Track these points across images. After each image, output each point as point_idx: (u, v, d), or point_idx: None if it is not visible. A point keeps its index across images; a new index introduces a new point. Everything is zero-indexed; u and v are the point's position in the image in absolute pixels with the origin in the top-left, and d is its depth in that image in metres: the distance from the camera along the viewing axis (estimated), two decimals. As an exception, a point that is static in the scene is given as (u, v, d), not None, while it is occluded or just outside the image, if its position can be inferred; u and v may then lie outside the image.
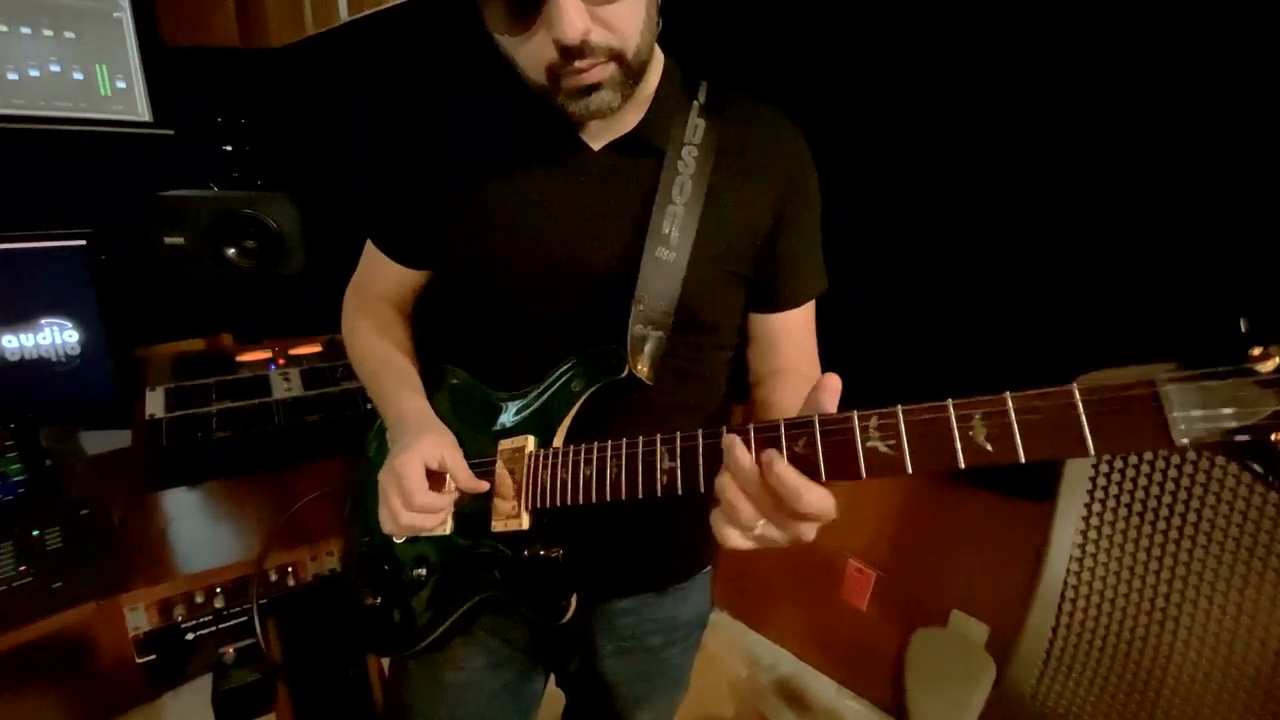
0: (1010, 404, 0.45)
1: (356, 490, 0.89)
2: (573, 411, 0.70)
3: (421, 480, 0.69)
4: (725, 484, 0.51)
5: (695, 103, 0.73)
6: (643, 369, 0.68)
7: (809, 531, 0.52)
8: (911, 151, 1.23)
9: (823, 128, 0.79)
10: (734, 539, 0.52)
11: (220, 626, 1.11)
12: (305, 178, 1.58)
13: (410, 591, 0.79)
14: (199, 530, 1.19)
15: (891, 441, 0.49)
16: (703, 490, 0.57)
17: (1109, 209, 1.05)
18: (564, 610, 0.70)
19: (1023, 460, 0.45)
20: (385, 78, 1.56)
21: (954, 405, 0.47)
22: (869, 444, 0.50)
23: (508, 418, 0.75)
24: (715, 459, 0.56)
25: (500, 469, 0.72)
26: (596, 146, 0.71)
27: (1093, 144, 1.05)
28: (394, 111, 0.76)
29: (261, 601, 1.11)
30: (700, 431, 0.58)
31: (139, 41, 1.44)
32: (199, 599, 1.06)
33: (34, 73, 1.35)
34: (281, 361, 1.53)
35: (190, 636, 1.09)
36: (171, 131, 1.51)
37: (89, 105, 1.42)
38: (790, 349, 0.80)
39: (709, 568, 0.89)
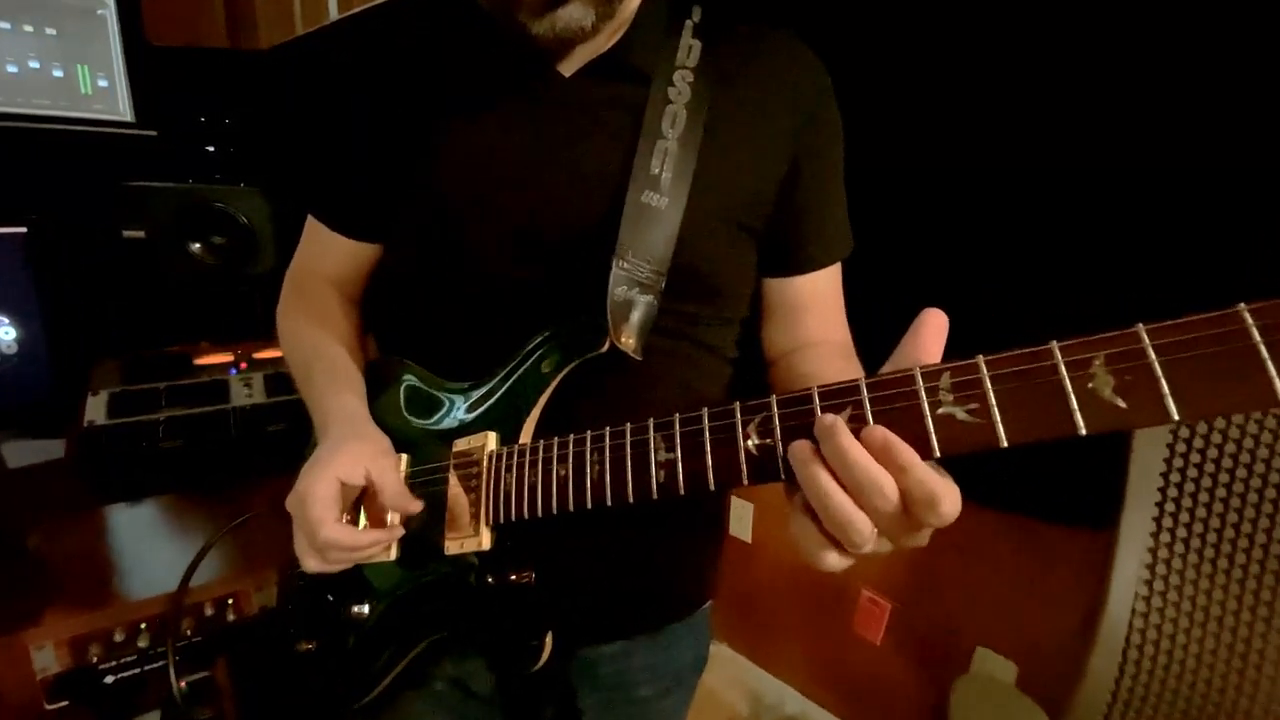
0: (1146, 338, 0.32)
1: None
2: (543, 399, 0.57)
3: (329, 507, 0.54)
4: (828, 489, 0.37)
5: (689, 22, 0.61)
6: (628, 341, 0.55)
7: (924, 538, 0.39)
8: (938, 116, 1.13)
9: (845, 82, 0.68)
10: (832, 561, 0.40)
11: (145, 669, 0.95)
12: (283, 174, 1.48)
13: (350, 633, 0.63)
14: (133, 555, 1.04)
15: (973, 405, 0.36)
16: (712, 489, 0.43)
17: (1135, 198, 0.95)
18: (536, 653, 0.55)
19: (1175, 419, 0.32)
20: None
21: (1060, 348, 0.34)
22: (941, 410, 0.36)
23: (463, 412, 0.61)
24: (728, 448, 0.43)
25: (454, 476, 0.58)
26: (568, 73, 0.60)
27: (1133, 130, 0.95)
28: (338, 68, 0.68)
29: (195, 639, 0.95)
30: (706, 410, 0.45)
31: (123, 40, 1.40)
32: (118, 637, 0.90)
33: (12, 69, 1.30)
34: (244, 365, 1.40)
35: (109, 680, 0.93)
36: (155, 132, 1.45)
37: (69, 104, 1.37)
38: (817, 320, 0.67)
39: (710, 602, 0.74)
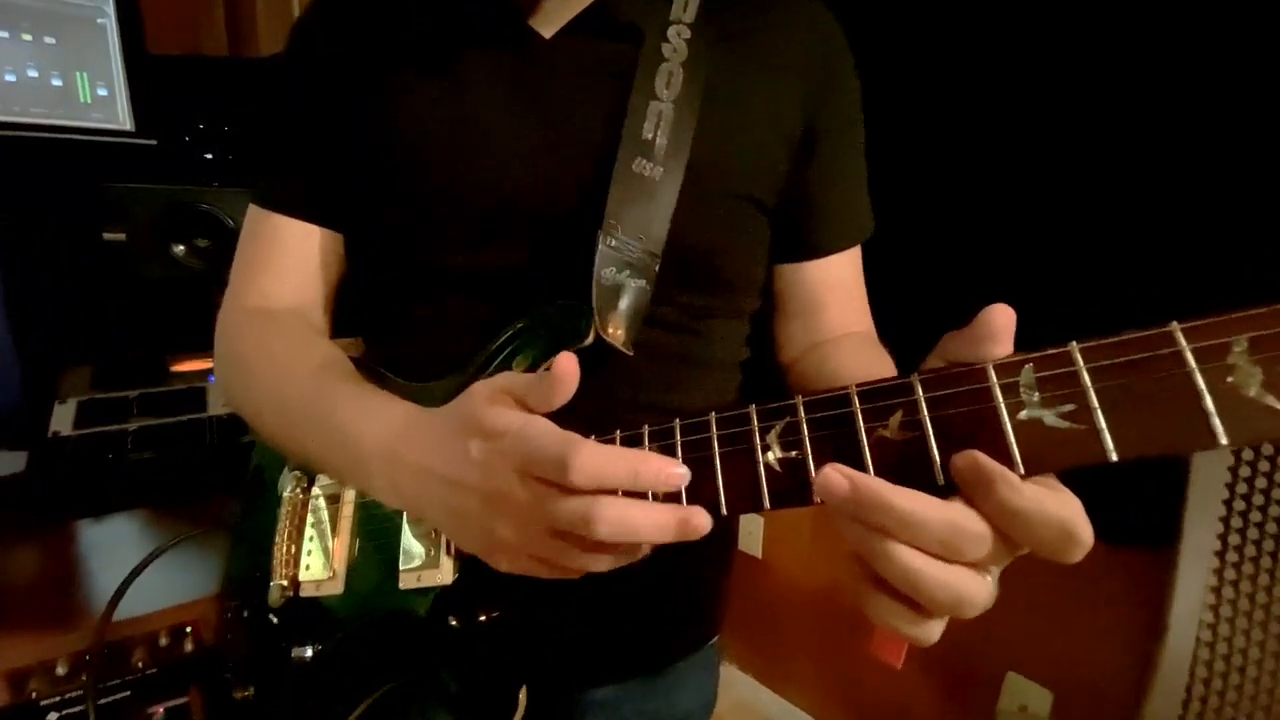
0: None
1: (237, 534, 0.65)
2: None
3: (546, 424, 0.36)
4: (906, 560, 0.28)
5: None
6: (616, 333, 0.47)
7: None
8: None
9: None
10: (936, 632, 0.30)
11: (100, 702, 0.87)
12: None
13: (293, 679, 0.54)
14: (89, 577, 0.95)
15: (1068, 406, 0.27)
16: (724, 513, 0.35)
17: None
18: (510, 710, 0.46)
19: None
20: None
21: (1184, 330, 0.26)
22: (1025, 414, 0.28)
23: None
24: (743, 462, 0.34)
25: None
26: (548, 33, 0.52)
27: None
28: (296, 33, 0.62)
29: (149, 672, 0.87)
30: (714, 415, 0.36)
31: (123, 48, 1.41)
32: (60, 670, 0.82)
33: (10, 78, 1.32)
34: None
35: (53, 717, 0.84)
36: (154, 141, 1.45)
37: (66, 112, 1.37)
38: (839, 311, 0.59)
39: (717, 637, 0.65)
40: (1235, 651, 0.79)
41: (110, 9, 1.39)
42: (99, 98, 1.38)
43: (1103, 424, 0.26)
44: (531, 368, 0.47)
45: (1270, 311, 0.25)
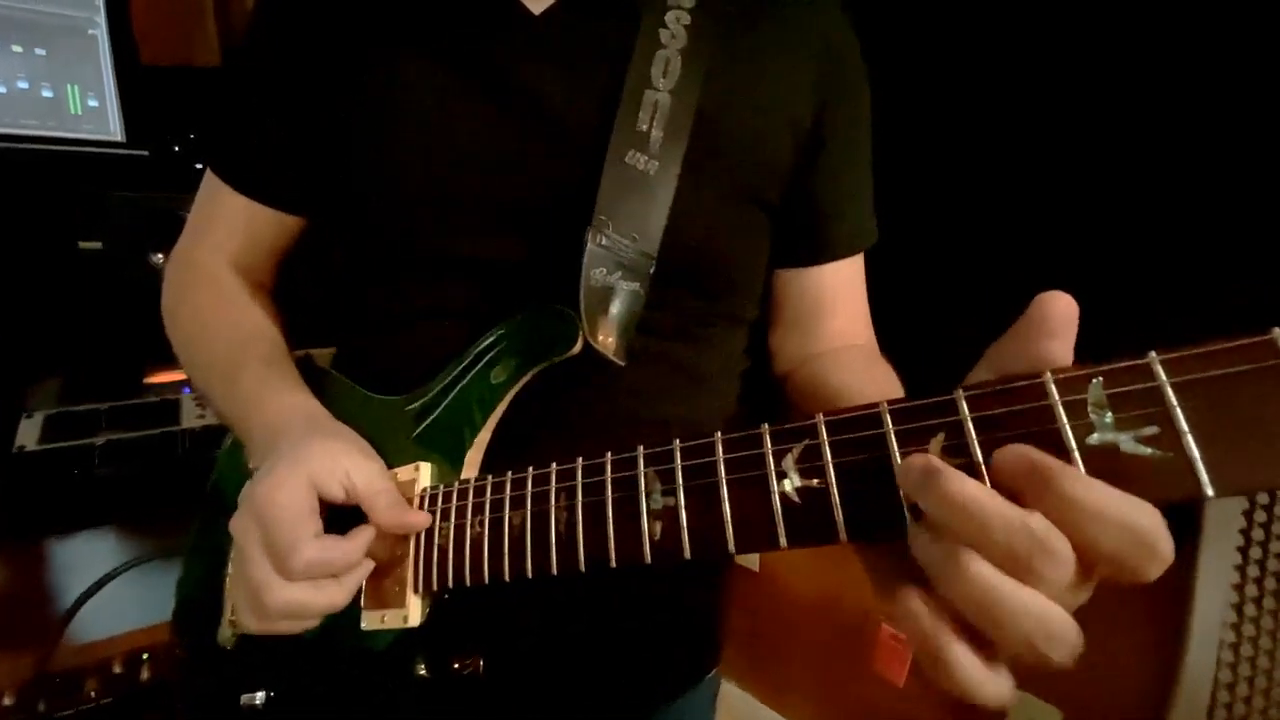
0: None
1: (190, 558, 0.60)
2: (494, 418, 0.44)
3: (304, 521, 0.39)
4: (986, 579, 0.23)
5: None
6: (607, 340, 0.42)
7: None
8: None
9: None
10: (1008, 689, 0.25)
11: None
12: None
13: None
14: (50, 600, 0.89)
15: (1149, 430, 0.22)
16: (731, 549, 0.30)
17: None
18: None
19: None
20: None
21: (1290, 338, 0.21)
22: (1094, 439, 0.23)
23: (389, 437, 0.47)
24: (754, 491, 0.29)
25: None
26: (537, 9, 0.48)
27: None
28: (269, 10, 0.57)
29: (103, 701, 0.81)
30: (719, 435, 0.32)
31: (114, 60, 1.41)
32: (7, 700, 0.76)
33: (0, 89, 1.33)
34: None
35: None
36: (146, 152, 1.45)
37: (57, 124, 1.37)
38: (842, 320, 0.56)
39: (716, 669, 0.60)
40: (1260, 673, 0.75)
41: (102, 20, 1.40)
42: (89, 109, 1.39)
43: (1195, 452, 0.22)
44: (512, 379, 0.43)
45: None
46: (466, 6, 0.48)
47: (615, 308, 0.43)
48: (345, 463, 0.41)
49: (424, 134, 0.47)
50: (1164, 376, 0.23)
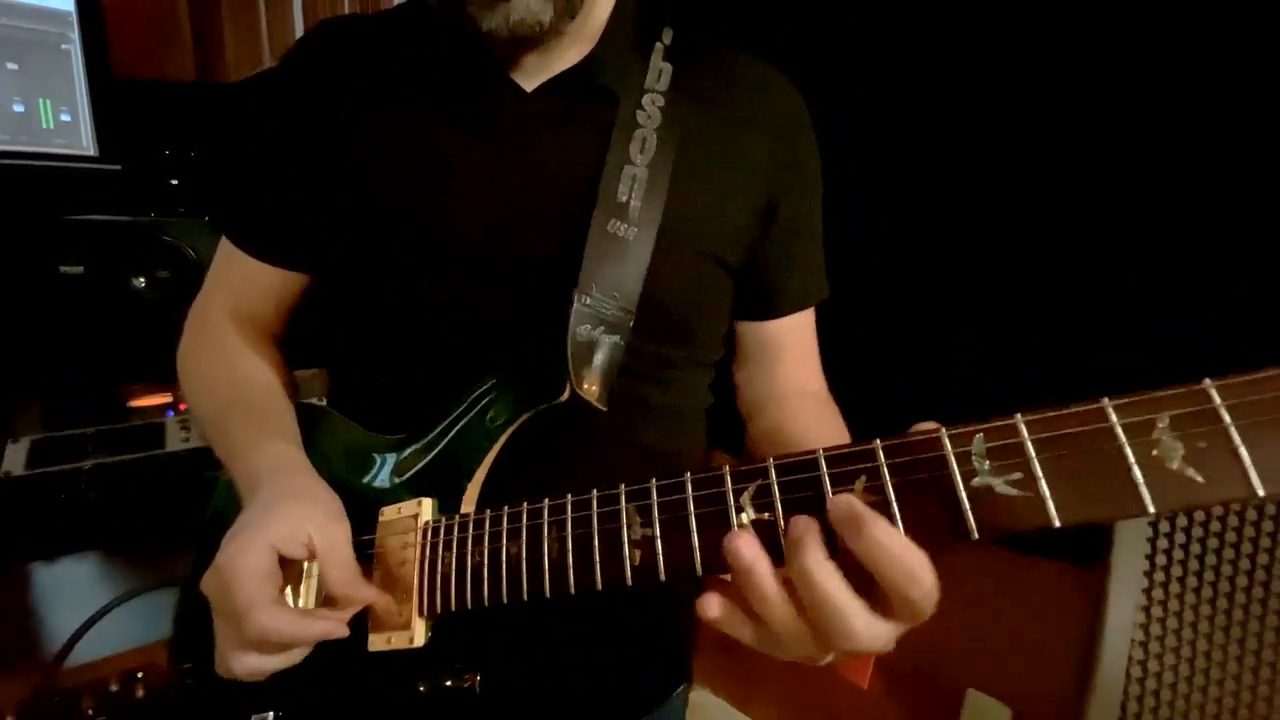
0: (1217, 397, 0.27)
1: (191, 586, 0.63)
2: (490, 457, 0.49)
3: (263, 585, 0.43)
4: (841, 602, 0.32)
5: (659, 44, 0.56)
6: (591, 388, 0.48)
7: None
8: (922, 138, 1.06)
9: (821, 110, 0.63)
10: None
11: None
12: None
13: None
14: (42, 624, 0.91)
15: (1016, 475, 0.29)
16: (699, 573, 0.36)
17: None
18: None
19: (1260, 495, 0.26)
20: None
21: (1115, 406, 0.29)
22: (977, 481, 0.30)
23: (394, 473, 0.52)
24: (719, 523, 0.36)
25: (380, 553, 0.49)
26: (530, 87, 0.54)
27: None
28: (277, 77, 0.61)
29: (100, 719, 0.82)
30: (689, 474, 0.38)
31: (88, 73, 1.40)
32: (7, 720, 0.78)
33: None
34: (184, 406, 1.31)
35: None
36: (118, 167, 1.43)
37: (29, 138, 1.35)
38: (794, 365, 0.63)
39: (685, 685, 0.66)
40: (1166, 669, 0.84)
41: (75, 35, 1.38)
42: (62, 123, 1.38)
43: (1046, 492, 0.29)
44: (504, 425, 0.48)
45: (1189, 392, 0.28)
46: (464, 79, 0.53)
47: (598, 359, 0.49)
48: (308, 527, 0.45)
49: (424, 200, 0.52)
50: (1025, 434, 0.30)
